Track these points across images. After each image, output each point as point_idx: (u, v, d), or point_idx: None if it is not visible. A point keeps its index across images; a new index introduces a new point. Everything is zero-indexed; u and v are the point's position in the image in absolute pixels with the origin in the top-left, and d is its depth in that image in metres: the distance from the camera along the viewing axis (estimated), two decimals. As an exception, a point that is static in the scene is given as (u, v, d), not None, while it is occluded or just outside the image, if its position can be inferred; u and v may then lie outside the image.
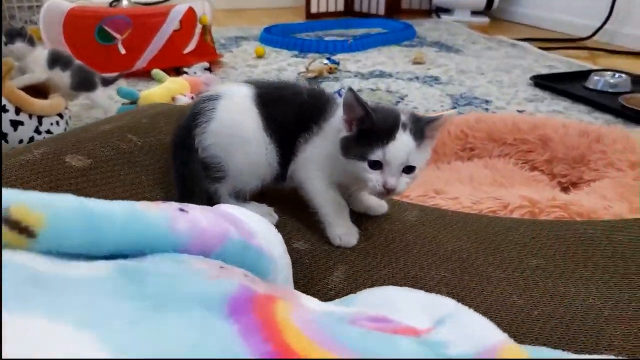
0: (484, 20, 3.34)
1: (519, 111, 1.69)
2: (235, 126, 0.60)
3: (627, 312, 0.48)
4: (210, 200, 0.63)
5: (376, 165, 0.55)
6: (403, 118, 0.55)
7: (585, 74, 1.97)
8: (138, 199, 0.65)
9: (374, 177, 0.55)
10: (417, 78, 2.03)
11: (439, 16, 3.45)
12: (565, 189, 1.04)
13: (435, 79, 2.02)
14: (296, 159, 0.61)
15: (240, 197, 0.64)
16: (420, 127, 0.56)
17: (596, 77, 1.91)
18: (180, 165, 0.61)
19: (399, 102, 1.75)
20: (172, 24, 1.87)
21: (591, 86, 1.90)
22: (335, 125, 0.58)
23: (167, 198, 0.64)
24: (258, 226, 0.45)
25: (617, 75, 1.93)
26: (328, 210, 0.60)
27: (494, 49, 2.56)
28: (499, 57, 2.41)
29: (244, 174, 0.62)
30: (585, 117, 1.66)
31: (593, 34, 2.77)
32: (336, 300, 0.42)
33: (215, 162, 0.61)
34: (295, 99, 0.61)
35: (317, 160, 0.60)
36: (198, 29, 1.98)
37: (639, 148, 1.02)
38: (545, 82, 1.97)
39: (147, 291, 0.27)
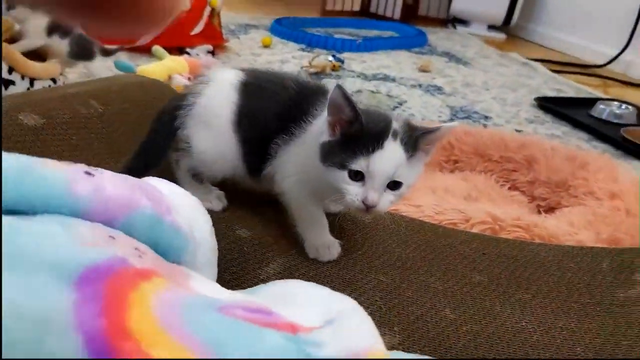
0: (500, 36, 3.30)
1: (517, 130, 1.66)
2: (208, 115, 0.59)
3: (557, 340, 0.47)
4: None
5: (357, 176, 0.48)
6: (395, 125, 0.49)
7: (591, 101, 1.94)
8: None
9: (353, 190, 0.48)
10: (420, 86, 2.01)
11: (454, 27, 3.41)
12: (540, 213, 1.02)
13: (439, 89, 2.00)
14: (273, 163, 0.57)
15: (198, 178, 0.64)
16: (414, 138, 0.48)
17: (602, 106, 1.88)
18: (152, 133, 0.61)
19: (396, 107, 1.73)
20: (180, 2, 1.85)
21: (596, 114, 1.86)
22: (318, 127, 0.53)
23: (115, 168, 0.63)
24: (182, 204, 0.43)
25: (623, 106, 1.89)
26: (305, 224, 0.57)
27: (504, 66, 2.53)
28: (508, 74, 2.38)
29: (204, 160, 0.61)
30: (584, 144, 1.63)
31: (608, 62, 2.72)
32: (248, 289, 0.40)
33: (185, 138, 0.60)
34: (280, 94, 0.56)
35: (296, 169, 0.55)
36: (207, 11, 1.97)
37: (623, 179, 1.00)
38: (549, 105, 1.93)
39: (9, 250, 0.26)
